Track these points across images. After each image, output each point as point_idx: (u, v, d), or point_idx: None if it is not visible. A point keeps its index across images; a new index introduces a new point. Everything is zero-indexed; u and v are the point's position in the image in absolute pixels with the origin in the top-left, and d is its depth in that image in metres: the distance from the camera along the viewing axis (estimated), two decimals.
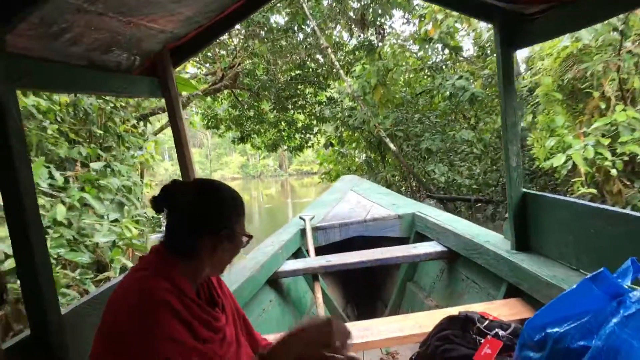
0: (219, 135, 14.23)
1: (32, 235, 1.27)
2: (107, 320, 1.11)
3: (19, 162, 1.25)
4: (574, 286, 1.16)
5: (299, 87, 13.35)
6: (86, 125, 4.62)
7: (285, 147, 14.67)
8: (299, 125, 14.12)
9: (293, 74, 13.11)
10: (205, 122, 13.63)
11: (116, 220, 3.99)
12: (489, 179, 8.39)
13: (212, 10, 2.16)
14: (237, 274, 2.79)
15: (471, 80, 8.51)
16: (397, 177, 11.23)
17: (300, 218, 4.10)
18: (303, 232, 3.93)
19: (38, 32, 1.46)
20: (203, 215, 1.22)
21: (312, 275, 3.42)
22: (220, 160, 44.72)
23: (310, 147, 14.13)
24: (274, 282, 3.26)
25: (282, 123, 13.94)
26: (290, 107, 13.42)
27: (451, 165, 9.02)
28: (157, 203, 1.23)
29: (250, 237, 1.29)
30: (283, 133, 14.07)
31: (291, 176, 41.19)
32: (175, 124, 2.44)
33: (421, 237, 3.85)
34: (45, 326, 1.31)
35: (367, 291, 4.39)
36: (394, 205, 4.42)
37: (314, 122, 13.90)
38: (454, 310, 2.03)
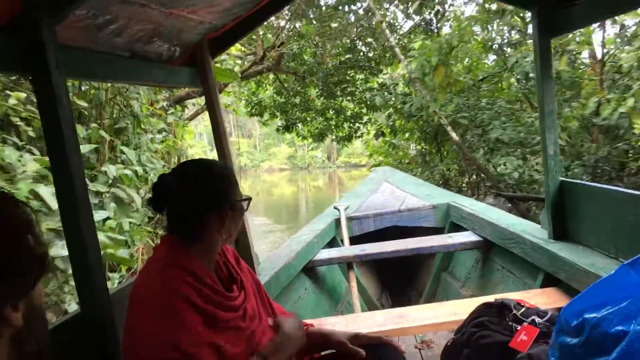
0: (262, 123, 13.48)
1: (82, 218, 1.32)
2: (130, 318, 1.14)
3: (69, 148, 1.31)
4: (612, 272, 1.18)
5: (349, 72, 12.35)
6: (92, 102, 3.92)
7: (332, 137, 13.71)
8: (348, 113, 13.11)
9: (342, 58, 12.13)
10: (249, 108, 12.90)
11: (108, 219, 3.23)
12: (574, 175, 7.08)
13: (249, 2, 2.18)
14: (274, 261, 2.80)
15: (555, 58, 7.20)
16: (454, 171, 10.00)
17: (335, 208, 4.08)
18: (338, 222, 3.93)
19: (85, 24, 1.51)
20: (201, 198, 1.25)
21: (346, 264, 3.41)
22: (269, 151, 45.24)
23: (359, 137, 13.12)
24: (310, 270, 3.27)
25: (330, 111, 12.98)
26: (338, 93, 12.44)
27: (524, 158, 7.68)
28: (154, 204, 1.28)
29: (249, 199, 1.36)
30: (330, 122, 13.11)
31: (339, 168, 40.95)
32: (214, 113, 2.44)
33: (456, 227, 3.80)
34: (94, 305, 1.35)
35: (402, 280, 4.37)
36: (428, 196, 4.37)
37: (364, 110, 12.86)
38: (489, 298, 2.01)
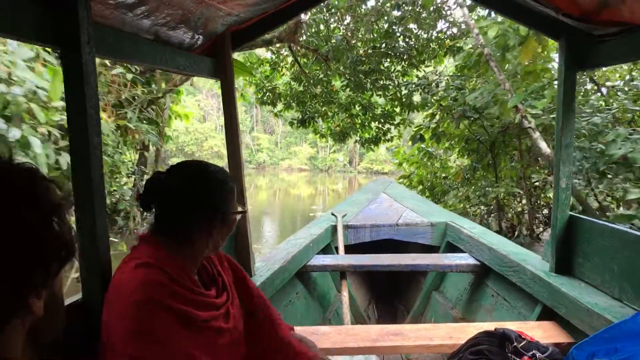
0: (274, 114, 11.36)
1: (95, 199, 1.30)
2: (105, 318, 1.11)
3: (91, 128, 1.29)
4: (628, 318, 1.25)
5: (383, 61, 10.15)
6: None
7: (356, 138, 11.48)
8: (377, 111, 10.88)
9: (377, 44, 9.95)
10: (260, 95, 10.78)
11: None
12: None
13: None
14: (270, 263, 2.81)
15: None
16: (518, 200, 7.45)
17: (332, 214, 4.11)
18: (334, 228, 3.95)
19: (117, 2, 1.50)
20: (194, 202, 1.22)
21: (339, 273, 3.43)
22: (289, 150, 44.45)
23: (388, 140, 10.86)
24: (302, 274, 3.30)
25: (356, 106, 10.77)
26: (368, 86, 10.22)
27: None
28: (144, 200, 1.24)
29: (243, 212, 1.35)
30: (356, 119, 10.90)
31: (360, 174, 39.90)
32: (228, 107, 2.44)
33: (452, 247, 3.81)
34: (95, 293, 1.32)
35: (390, 293, 4.37)
36: (426, 212, 4.37)
37: (397, 109, 10.63)
38: (486, 326, 2.14)
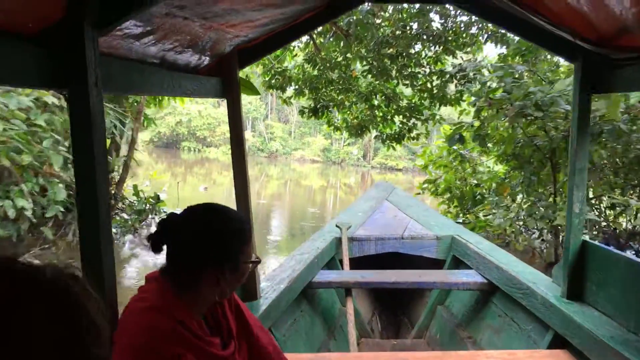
0: (283, 100, 9.83)
1: (102, 244, 1.29)
2: (113, 355, 1.07)
3: (99, 173, 1.26)
4: None
5: (413, 44, 8.59)
6: None
7: (376, 133, 9.90)
8: (403, 103, 9.30)
9: (407, 22, 8.40)
10: (268, 77, 9.26)
11: None
12: None
13: (287, 17, 2.23)
14: (275, 283, 2.74)
15: None
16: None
17: (337, 226, 4.03)
18: (339, 241, 3.88)
19: (124, 33, 1.46)
20: (206, 250, 1.19)
21: (344, 289, 3.41)
22: (303, 140, 43.76)
23: (413, 138, 9.30)
24: (307, 291, 3.24)
25: (378, 96, 9.21)
26: (394, 73, 8.67)
27: None
28: (155, 241, 1.20)
29: (257, 262, 1.29)
30: (377, 111, 9.33)
31: (374, 169, 39.28)
32: (235, 127, 2.40)
33: (457, 262, 3.78)
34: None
35: (394, 306, 4.26)
36: (431, 224, 4.30)
37: (426, 101, 9.06)
38: (497, 354, 2.25)
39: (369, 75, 9.00)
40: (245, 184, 2.41)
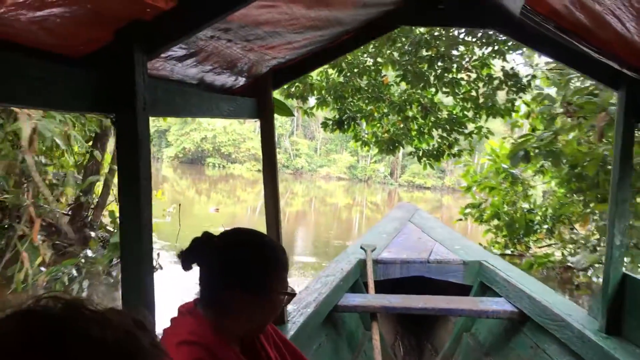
0: (304, 111, 8.66)
1: (144, 269, 1.29)
2: None
3: (143, 199, 1.26)
4: None
5: (456, 46, 7.34)
6: None
7: (411, 149, 8.57)
8: (443, 114, 8.00)
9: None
10: (287, 86, 8.10)
11: None
12: None
13: (325, 40, 2.25)
14: (301, 307, 2.77)
15: None
16: None
17: (362, 248, 4.00)
18: (363, 263, 3.85)
19: (167, 55, 1.48)
20: (242, 277, 1.17)
21: (370, 314, 3.38)
22: (329, 157, 43.47)
23: (454, 155, 7.97)
24: (331, 315, 3.23)
25: (414, 106, 7.94)
26: (432, 79, 7.41)
27: None
28: (187, 259, 1.18)
29: (293, 294, 1.25)
30: (411, 124, 8.05)
31: (401, 187, 39.06)
32: (268, 148, 2.39)
33: (485, 288, 3.73)
34: None
35: (417, 331, 4.18)
36: (456, 248, 4.25)
37: (470, 112, 7.74)
38: None
39: (403, 83, 7.77)
40: (277, 207, 2.40)
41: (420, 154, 8.04)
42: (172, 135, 42.98)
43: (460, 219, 7.93)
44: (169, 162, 42.86)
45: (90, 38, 1.13)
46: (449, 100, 8.13)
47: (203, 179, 35.44)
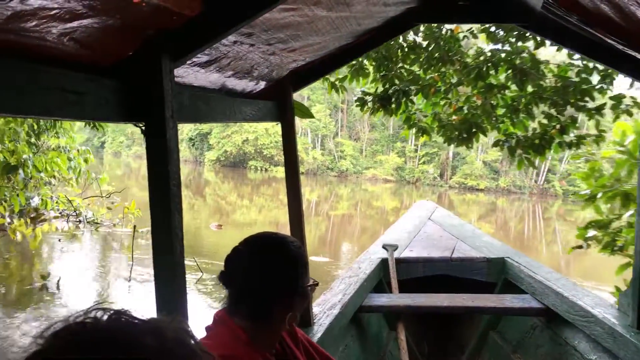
0: (330, 85, 5.92)
1: (176, 278, 1.30)
2: None
3: (173, 205, 1.28)
4: None
5: None
6: None
7: (498, 137, 5.59)
8: (548, 81, 5.04)
9: None
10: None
11: None
12: None
13: (344, 40, 2.26)
14: (327, 309, 2.77)
15: None
16: None
17: (384, 247, 3.99)
18: (385, 263, 3.84)
19: (192, 61, 1.50)
20: (277, 283, 1.22)
21: (395, 314, 3.43)
22: (375, 158, 42.40)
23: (571, 145, 5.00)
24: (356, 315, 3.22)
25: (501, 70, 4.98)
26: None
27: None
28: (226, 277, 1.23)
29: (316, 284, 1.32)
30: (497, 98, 5.13)
31: (452, 189, 37.42)
32: (289, 150, 2.46)
33: (509, 285, 3.70)
34: None
35: (441, 330, 4.07)
36: (478, 245, 4.21)
37: (595, 75, 4.78)
38: None
39: (483, 34, 4.91)
40: (299, 208, 2.45)
41: (514, 144, 5.10)
42: (214, 138, 42.29)
43: (580, 247, 4.92)
44: (211, 165, 42.19)
45: (119, 48, 1.19)
46: (557, 59, 5.16)
47: (245, 181, 34.73)
